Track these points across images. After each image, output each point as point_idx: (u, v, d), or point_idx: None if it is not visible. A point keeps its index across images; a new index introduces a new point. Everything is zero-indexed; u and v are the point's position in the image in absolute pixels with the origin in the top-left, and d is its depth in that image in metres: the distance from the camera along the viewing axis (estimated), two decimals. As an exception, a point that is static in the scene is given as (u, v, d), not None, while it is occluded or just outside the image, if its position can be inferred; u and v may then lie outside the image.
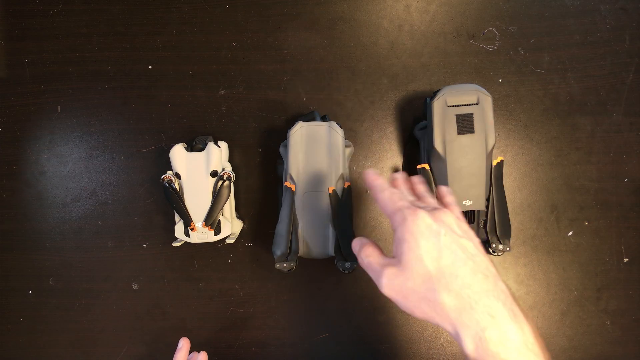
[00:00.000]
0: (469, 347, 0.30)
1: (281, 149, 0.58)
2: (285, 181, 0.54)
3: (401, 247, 0.33)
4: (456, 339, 0.32)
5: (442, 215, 0.34)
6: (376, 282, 0.35)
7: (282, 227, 0.52)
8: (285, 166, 0.55)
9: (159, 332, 0.60)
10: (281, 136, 0.58)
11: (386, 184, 0.38)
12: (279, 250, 0.51)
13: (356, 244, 0.38)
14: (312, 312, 0.60)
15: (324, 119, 0.57)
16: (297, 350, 0.59)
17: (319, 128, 0.53)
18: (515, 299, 0.32)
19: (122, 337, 0.60)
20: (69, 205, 0.62)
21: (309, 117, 0.57)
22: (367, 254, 0.36)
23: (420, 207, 0.34)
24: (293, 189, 0.53)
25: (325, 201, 0.53)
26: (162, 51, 0.63)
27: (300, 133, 0.53)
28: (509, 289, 0.33)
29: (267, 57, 0.62)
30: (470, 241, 0.33)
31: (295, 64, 0.62)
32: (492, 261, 0.34)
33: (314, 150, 0.53)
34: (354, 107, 0.61)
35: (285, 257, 0.51)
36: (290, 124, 0.56)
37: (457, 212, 0.38)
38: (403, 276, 0.33)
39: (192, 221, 0.55)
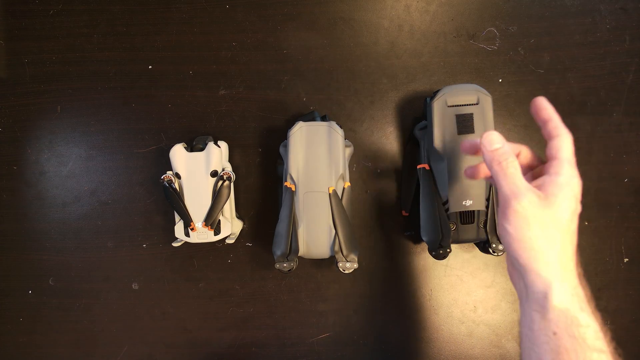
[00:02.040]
0: (559, 297, 0.33)
1: (281, 149, 0.58)
2: (285, 181, 0.54)
3: (557, 188, 0.34)
4: (539, 285, 0.34)
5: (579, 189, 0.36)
6: (508, 197, 0.35)
7: (282, 227, 0.52)
8: (285, 166, 0.55)
9: (159, 332, 0.60)
10: (281, 136, 0.58)
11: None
12: (279, 250, 0.51)
13: (496, 137, 0.37)
14: (312, 312, 0.60)
15: (324, 119, 0.57)
16: (297, 350, 0.59)
17: (319, 128, 0.53)
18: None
19: (122, 337, 0.60)
20: (69, 205, 0.62)
21: (309, 117, 0.57)
22: (516, 166, 0.36)
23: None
24: (293, 189, 0.53)
25: (325, 201, 0.53)
26: (162, 51, 0.63)
27: (300, 133, 0.53)
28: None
29: (267, 57, 0.62)
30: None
31: (295, 64, 0.62)
32: None
33: (314, 150, 0.53)
34: (354, 107, 0.61)
35: (285, 257, 0.51)
36: (290, 124, 0.56)
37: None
38: (543, 206, 0.34)
39: (192, 221, 0.55)
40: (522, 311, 0.36)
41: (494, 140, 0.37)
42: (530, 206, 0.34)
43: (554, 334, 0.33)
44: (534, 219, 0.34)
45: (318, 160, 0.53)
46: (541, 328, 0.34)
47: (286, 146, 0.54)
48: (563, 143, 0.36)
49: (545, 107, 0.39)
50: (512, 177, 0.35)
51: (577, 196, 0.35)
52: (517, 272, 0.37)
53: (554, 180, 0.35)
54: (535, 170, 0.40)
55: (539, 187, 0.35)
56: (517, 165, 0.36)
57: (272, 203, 0.60)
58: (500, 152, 0.36)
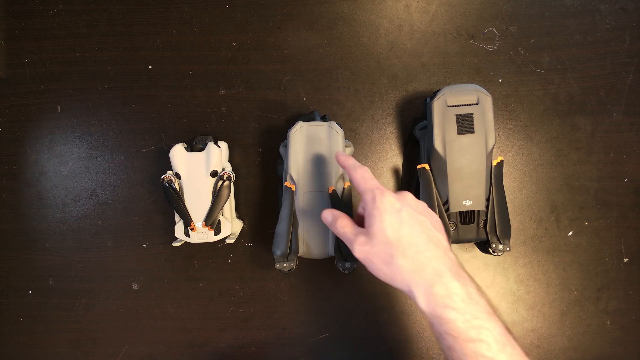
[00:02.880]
0: (422, 301, 0.37)
1: (281, 149, 0.58)
2: (285, 181, 0.54)
3: (370, 220, 0.40)
4: (411, 296, 0.38)
5: (405, 196, 0.41)
6: (350, 247, 0.42)
7: (282, 227, 0.52)
8: (285, 166, 0.55)
9: (159, 332, 0.60)
10: (281, 136, 0.58)
11: (357, 163, 0.44)
12: (279, 250, 0.51)
13: (328, 214, 0.44)
14: (312, 312, 0.60)
15: (324, 119, 0.57)
16: (297, 350, 0.59)
17: (319, 128, 0.53)
18: (461, 266, 0.39)
19: (122, 337, 0.60)
20: (69, 205, 0.62)
21: (309, 117, 0.57)
22: (342, 225, 0.43)
23: (386, 189, 0.41)
24: (293, 189, 0.53)
25: (325, 201, 0.53)
26: (162, 51, 0.63)
27: (301, 133, 0.53)
28: (457, 258, 0.39)
29: (267, 57, 0.62)
30: (427, 218, 0.40)
31: (295, 64, 0.62)
32: (447, 238, 0.41)
33: (314, 150, 0.53)
34: (354, 107, 0.61)
35: (285, 257, 0.51)
36: (290, 124, 0.56)
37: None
38: (370, 243, 0.40)
39: (192, 221, 0.55)
40: None
41: (326, 217, 0.44)
42: (361, 247, 0.40)
43: (440, 334, 0.37)
44: (369, 255, 0.40)
45: (318, 160, 0.53)
46: (434, 332, 0.38)
47: (286, 146, 0.54)
48: (360, 176, 0.42)
49: (340, 156, 0.46)
50: (344, 234, 0.42)
51: (391, 208, 0.39)
52: None
53: (366, 213, 0.41)
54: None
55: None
56: (345, 223, 0.43)
57: (272, 203, 0.60)
58: (331, 221, 0.44)
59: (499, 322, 0.36)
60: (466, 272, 0.39)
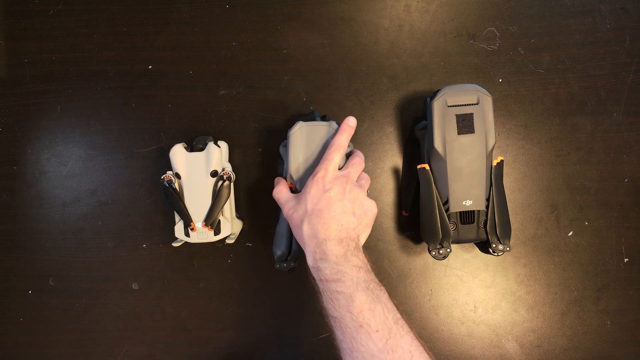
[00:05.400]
0: (309, 258, 0.46)
1: (281, 149, 0.58)
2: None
3: (304, 189, 0.48)
4: (306, 256, 0.46)
5: (342, 180, 0.48)
6: (281, 209, 0.50)
7: (282, 227, 0.52)
8: (285, 166, 0.55)
9: (159, 332, 0.60)
10: (281, 136, 0.58)
11: (339, 145, 0.50)
12: (279, 250, 0.51)
13: (276, 181, 0.53)
14: (312, 312, 0.60)
15: (323, 118, 0.57)
16: (297, 350, 0.59)
17: (319, 128, 0.53)
18: (359, 247, 0.46)
19: (122, 337, 0.60)
20: (69, 205, 0.62)
21: (309, 117, 0.57)
22: (278, 191, 0.51)
23: (338, 171, 0.49)
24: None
25: None
26: (162, 51, 0.63)
27: (301, 133, 0.53)
28: (357, 239, 0.47)
29: (267, 57, 0.62)
30: (351, 205, 0.47)
31: (295, 64, 0.62)
32: (359, 223, 0.47)
33: (314, 150, 0.53)
34: (354, 107, 0.61)
35: (286, 257, 0.51)
36: (290, 124, 0.56)
37: (365, 181, 0.51)
38: (294, 208, 0.48)
39: (192, 221, 0.55)
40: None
41: (275, 182, 0.54)
42: (287, 210, 0.49)
43: (316, 283, 0.45)
44: (291, 217, 0.48)
45: (318, 160, 0.53)
46: (314, 284, 0.46)
47: (286, 146, 0.54)
48: (330, 152, 0.50)
49: (333, 144, 0.51)
50: (278, 198, 0.51)
51: (321, 187, 0.47)
52: None
53: (307, 181, 0.49)
54: None
55: None
56: (281, 189, 0.51)
57: (272, 203, 0.60)
58: (275, 185, 0.53)
59: (364, 274, 0.43)
60: (358, 246, 0.46)
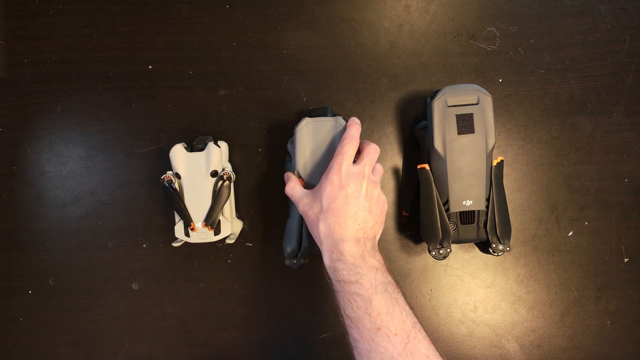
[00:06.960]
0: (325, 257, 0.45)
1: (289, 145, 0.57)
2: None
3: (319, 185, 0.47)
4: (323, 255, 0.45)
5: (358, 177, 0.46)
6: (296, 205, 0.49)
7: (292, 223, 0.52)
8: (293, 162, 0.55)
9: (159, 332, 0.60)
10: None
11: (353, 136, 0.49)
12: (289, 246, 0.51)
13: (286, 177, 0.52)
14: (312, 312, 0.60)
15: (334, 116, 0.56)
16: (297, 350, 0.59)
17: (325, 123, 0.53)
18: (375, 247, 0.45)
19: (122, 337, 0.60)
20: (69, 205, 0.62)
21: (320, 112, 0.56)
22: (291, 187, 0.50)
23: (353, 166, 0.47)
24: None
25: None
26: (162, 51, 0.63)
27: (307, 129, 0.53)
28: (374, 238, 0.46)
29: (267, 57, 0.62)
30: (368, 203, 0.46)
31: (295, 64, 0.62)
32: (376, 221, 0.46)
33: (321, 146, 0.53)
34: (354, 107, 0.61)
35: (296, 254, 0.51)
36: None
37: (378, 176, 0.50)
38: (309, 205, 0.47)
39: (192, 221, 0.55)
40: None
41: (286, 178, 0.52)
42: (303, 206, 0.48)
43: (333, 283, 0.45)
44: (306, 213, 0.47)
45: (325, 156, 0.53)
46: (330, 284, 0.46)
47: (293, 142, 0.54)
48: (343, 145, 0.48)
49: (345, 137, 0.50)
50: (292, 194, 0.50)
51: (337, 183, 0.45)
52: None
53: (322, 177, 0.48)
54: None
55: None
56: (293, 185, 0.50)
57: (272, 203, 0.60)
58: (286, 182, 0.51)
59: (382, 275, 0.43)
60: (374, 246, 0.45)
